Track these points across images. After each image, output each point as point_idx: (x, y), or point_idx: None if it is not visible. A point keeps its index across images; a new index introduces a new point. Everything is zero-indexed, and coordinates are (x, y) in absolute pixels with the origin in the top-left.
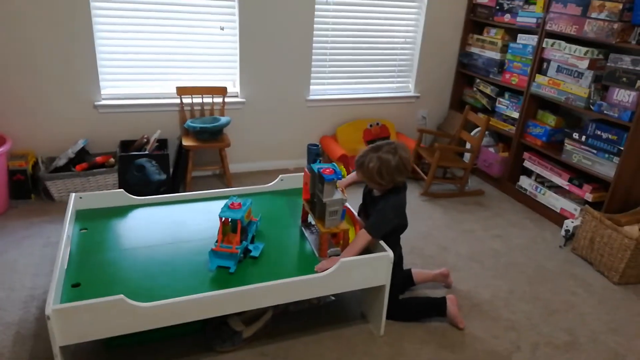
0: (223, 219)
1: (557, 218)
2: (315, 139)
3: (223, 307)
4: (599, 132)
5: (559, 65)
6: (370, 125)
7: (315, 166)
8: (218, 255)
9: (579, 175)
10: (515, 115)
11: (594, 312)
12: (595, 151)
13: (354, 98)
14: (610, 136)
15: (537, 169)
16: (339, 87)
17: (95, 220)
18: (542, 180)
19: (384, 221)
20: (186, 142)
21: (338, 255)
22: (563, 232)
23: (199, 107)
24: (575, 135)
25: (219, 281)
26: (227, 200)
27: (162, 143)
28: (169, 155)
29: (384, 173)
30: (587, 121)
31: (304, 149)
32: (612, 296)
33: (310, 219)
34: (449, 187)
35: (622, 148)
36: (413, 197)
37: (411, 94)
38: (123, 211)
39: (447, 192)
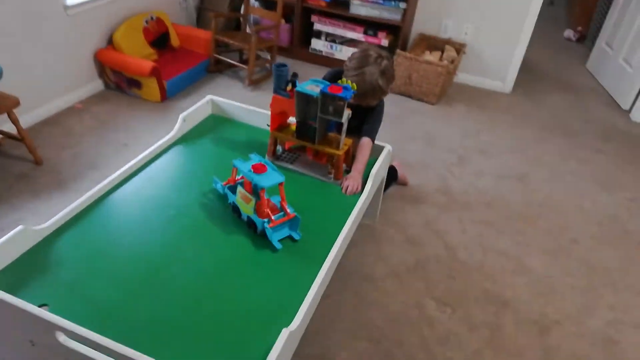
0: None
1: None
2: (88, 59)
3: None
4: None
5: None
6: (147, 22)
7: (307, 86)
8: (277, 229)
9: (370, 26)
10: None
11: (427, 122)
12: (382, 1)
13: None
14: None
15: (330, 29)
16: None
17: None
18: (333, 39)
19: (378, 124)
20: None
21: (348, 171)
22: None
23: None
24: None
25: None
26: (245, 161)
27: None
28: None
29: (386, 85)
30: None
31: (79, 74)
32: (434, 114)
33: (280, 149)
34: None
35: None
36: (238, 90)
37: None
38: None
39: (262, 76)
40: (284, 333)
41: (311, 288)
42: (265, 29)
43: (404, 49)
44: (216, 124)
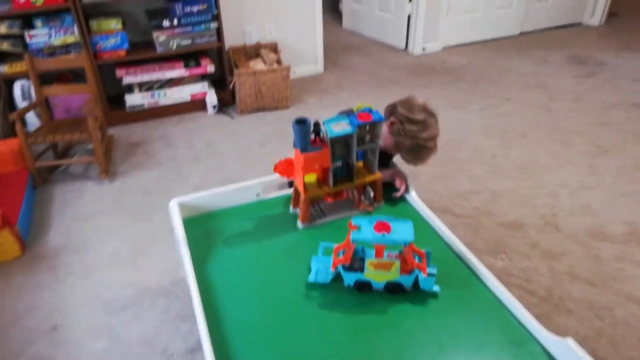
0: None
1: (194, 105)
2: None
3: None
4: (189, 9)
5: None
6: None
7: (333, 128)
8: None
9: (188, 57)
10: (73, 38)
11: None
12: (190, 28)
13: None
14: (201, 7)
15: (144, 78)
16: None
17: None
18: (150, 87)
19: None
20: None
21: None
22: (211, 109)
23: None
24: (166, 23)
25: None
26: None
27: None
28: None
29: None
30: (169, 4)
31: None
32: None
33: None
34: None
35: (216, 12)
36: (97, 190)
37: None
38: None
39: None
40: None
41: None
42: (89, 106)
43: (231, 68)
44: (203, 225)
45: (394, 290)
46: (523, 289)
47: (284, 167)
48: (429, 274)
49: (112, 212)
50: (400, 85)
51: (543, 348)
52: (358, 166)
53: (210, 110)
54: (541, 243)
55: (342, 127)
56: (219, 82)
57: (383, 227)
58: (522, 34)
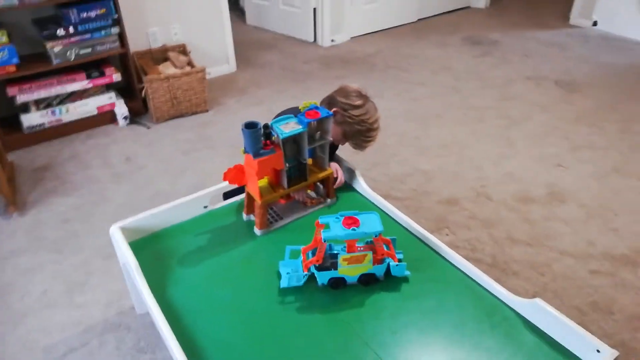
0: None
1: (103, 119)
2: None
3: None
4: (85, 14)
5: None
6: None
7: (282, 129)
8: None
9: (90, 66)
10: None
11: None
12: (89, 35)
13: None
14: (99, 12)
15: (40, 94)
16: None
17: None
18: (49, 103)
19: None
20: None
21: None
22: (122, 121)
23: None
24: (61, 32)
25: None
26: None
27: None
28: None
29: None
30: (61, 11)
31: None
32: (223, 118)
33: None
34: None
35: (116, 16)
36: (5, 226)
37: None
38: None
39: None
40: None
41: None
42: None
43: (139, 75)
44: (152, 247)
45: (368, 281)
46: (471, 259)
47: (234, 175)
48: (399, 260)
49: (31, 249)
50: (317, 78)
51: (515, 312)
52: (308, 164)
53: (121, 122)
54: (478, 214)
55: (292, 127)
56: (127, 90)
57: (352, 222)
58: (419, 20)
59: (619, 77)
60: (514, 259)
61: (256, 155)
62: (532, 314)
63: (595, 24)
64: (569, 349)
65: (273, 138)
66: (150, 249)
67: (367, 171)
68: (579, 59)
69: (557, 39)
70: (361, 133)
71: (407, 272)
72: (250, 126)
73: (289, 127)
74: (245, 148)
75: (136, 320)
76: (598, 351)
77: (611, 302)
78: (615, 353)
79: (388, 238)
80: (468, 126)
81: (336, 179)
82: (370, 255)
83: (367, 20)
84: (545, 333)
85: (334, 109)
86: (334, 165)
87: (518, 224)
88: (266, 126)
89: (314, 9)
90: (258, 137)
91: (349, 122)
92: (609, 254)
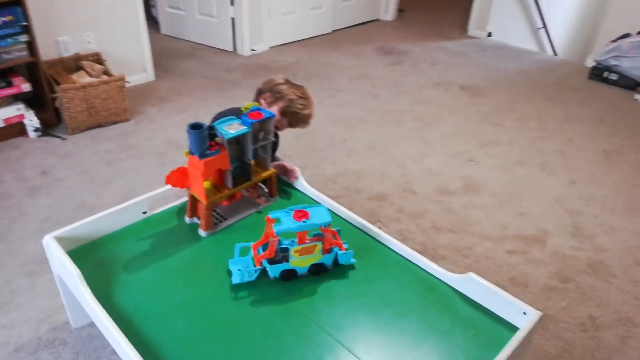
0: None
1: (11, 131)
2: None
3: None
4: None
5: None
6: None
7: (226, 130)
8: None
9: None
10: None
11: (155, 137)
12: None
13: None
14: (5, 19)
15: None
16: None
17: None
18: None
19: None
20: None
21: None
22: (33, 133)
23: None
24: None
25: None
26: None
27: None
28: None
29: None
30: None
31: None
32: (145, 127)
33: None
34: None
35: (25, 23)
36: None
37: None
38: None
39: None
40: None
41: None
42: None
43: (51, 84)
44: (91, 256)
45: (317, 271)
46: None
47: (177, 177)
48: (346, 249)
49: None
50: (241, 86)
51: (451, 287)
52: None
53: (32, 134)
54: (405, 207)
55: (236, 128)
56: (37, 101)
57: (302, 215)
58: (334, 31)
59: (513, 81)
60: (441, 245)
61: (202, 156)
62: (466, 287)
63: (490, 35)
64: (499, 314)
65: (217, 139)
66: (90, 257)
67: (301, 173)
68: (479, 66)
69: (459, 48)
70: (294, 102)
71: (354, 260)
72: (195, 127)
73: (233, 128)
74: (190, 149)
75: (72, 335)
76: (525, 313)
77: (526, 277)
78: (539, 313)
79: (334, 229)
80: (389, 128)
81: (290, 172)
82: (320, 245)
83: (285, 30)
84: (478, 303)
85: (263, 96)
86: (282, 162)
87: (441, 213)
88: (211, 127)
89: (232, 19)
90: (203, 138)
91: (280, 97)
92: (520, 235)
